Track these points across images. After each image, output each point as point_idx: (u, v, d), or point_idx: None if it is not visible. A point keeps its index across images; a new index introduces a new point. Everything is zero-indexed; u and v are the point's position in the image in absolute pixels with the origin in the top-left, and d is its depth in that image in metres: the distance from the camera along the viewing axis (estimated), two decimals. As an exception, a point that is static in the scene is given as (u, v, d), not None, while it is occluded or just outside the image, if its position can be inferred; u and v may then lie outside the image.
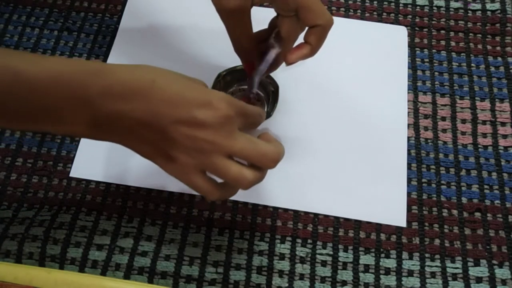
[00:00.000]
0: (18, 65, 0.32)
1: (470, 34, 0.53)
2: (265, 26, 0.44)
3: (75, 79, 0.32)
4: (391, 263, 0.43)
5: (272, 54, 0.41)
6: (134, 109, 0.32)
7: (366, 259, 0.43)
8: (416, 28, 0.53)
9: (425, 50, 0.52)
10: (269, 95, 0.47)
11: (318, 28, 0.39)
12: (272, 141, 0.37)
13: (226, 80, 0.46)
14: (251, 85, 0.42)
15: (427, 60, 0.52)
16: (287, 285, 0.42)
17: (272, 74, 0.45)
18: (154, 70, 0.34)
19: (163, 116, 0.33)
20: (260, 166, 0.35)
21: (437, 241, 0.43)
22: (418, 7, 0.54)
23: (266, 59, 0.41)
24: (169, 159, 0.34)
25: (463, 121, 0.49)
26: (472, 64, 0.51)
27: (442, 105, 0.49)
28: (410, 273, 0.42)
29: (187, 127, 0.33)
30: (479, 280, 0.42)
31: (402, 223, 0.44)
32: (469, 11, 0.54)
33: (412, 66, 0.51)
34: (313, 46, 0.40)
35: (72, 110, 0.32)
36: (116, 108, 0.32)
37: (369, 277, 0.42)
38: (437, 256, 0.43)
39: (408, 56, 0.52)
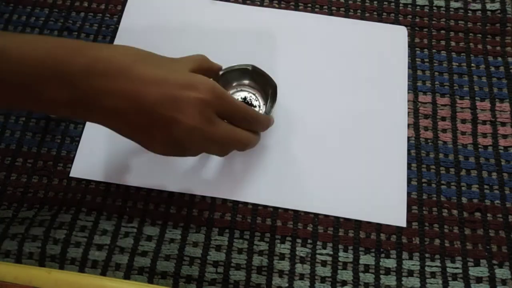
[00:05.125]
0: None
1: (470, 34, 0.53)
2: (265, 25, 0.43)
3: (56, 56, 0.32)
4: (391, 263, 0.43)
5: None
6: (115, 88, 0.33)
7: (366, 259, 0.43)
8: (416, 28, 0.53)
9: (425, 50, 0.52)
10: (268, 95, 0.47)
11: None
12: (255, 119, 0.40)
13: (225, 80, 0.46)
14: None
15: (427, 60, 0.51)
16: (287, 285, 0.42)
17: (271, 73, 0.45)
18: (137, 51, 0.35)
19: (144, 96, 0.33)
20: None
21: (437, 241, 0.44)
22: (418, 7, 0.54)
23: None
24: (150, 138, 0.35)
25: (463, 121, 0.49)
26: (472, 64, 0.51)
27: (442, 105, 0.49)
28: (410, 273, 0.42)
29: (167, 108, 0.33)
30: (479, 280, 0.42)
31: (402, 223, 0.44)
32: (469, 11, 0.54)
33: (412, 66, 0.51)
34: None
35: (53, 87, 0.32)
36: (97, 86, 0.32)
37: (369, 277, 0.42)
38: (437, 256, 0.43)
39: (408, 56, 0.52)
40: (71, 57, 0.32)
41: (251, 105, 0.47)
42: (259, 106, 0.47)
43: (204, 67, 0.40)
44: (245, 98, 0.48)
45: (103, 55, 0.33)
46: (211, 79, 0.37)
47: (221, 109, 0.36)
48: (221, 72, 0.45)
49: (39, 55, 0.32)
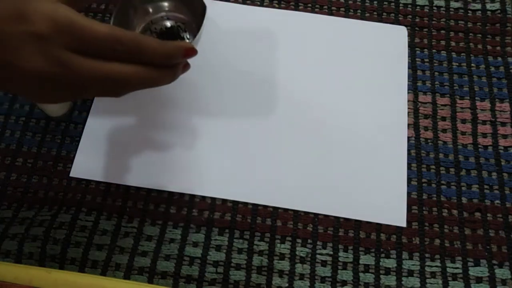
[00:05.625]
0: None
1: (470, 34, 0.53)
2: (265, 25, 0.43)
3: None
4: (391, 263, 0.43)
5: None
6: None
7: (366, 259, 0.43)
8: (416, 28, 0.53)
9: (425, 50, 0.52)
10: (199, 22, 0.36)
11: None
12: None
13: (142, 3, 0.36)
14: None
15: (427, 60, 0.51)
16: (287, 285, 0.42)
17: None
18: None
19: None
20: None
21: (437, 241, 0.43)
22: (418, 7, 0.54)
23: None
24: (4, 88, 0.30)
25: (463, 121, 0.49)
26: (472, 64, 0.51)
27: (442, 105, 0.49)
28: (410, 273, 0.42)
29: None
30: (479, 280, 0.42)
31: (402, 223, 0.44)
32: (469, 11, 0.54)
33: (412, 66, 0.51)
34: None
35: None
36: None
37: (369, 277, 0.42)
38: (437, 256, 0.43)
39: (408, 56, 0.52)
40: None
41: (179, 37, 0.37)
42: (188, 38, 0.38)
43: None
44: (171, 28, 0.38)
45: None
46: (118, 2, 0.30)
47: (73, 41, 0.28)
48: None
49: None
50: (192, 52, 0.33)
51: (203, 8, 0.35)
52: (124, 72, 0.30)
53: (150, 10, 0.37)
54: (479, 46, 0.52)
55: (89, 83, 0.29)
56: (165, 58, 0.31)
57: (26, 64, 0.27)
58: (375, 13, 0.54)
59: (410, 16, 0.54)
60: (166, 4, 0.37)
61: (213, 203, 0.45)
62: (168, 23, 0.37)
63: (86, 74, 0.29)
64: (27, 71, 0.27)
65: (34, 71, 0.28)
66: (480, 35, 0.53)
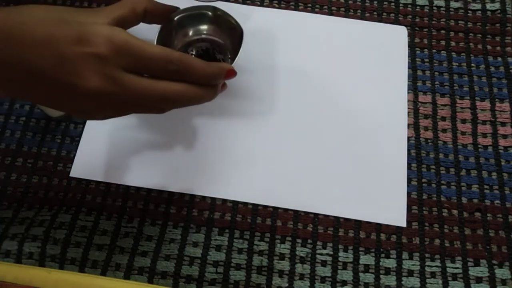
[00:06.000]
0: None
1: (470, 34, 0.53)
2: (265, 25, 0.43)
3: None
4: (391, 263, 0.43)
5: None
6: (5, 56, 0.29)
7: (366, 259, 0.43)
8: (416, 28, 0.53)
9: (425, 50, 0.52)
10: (235, 44, 0.38)
11: None
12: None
13: (181, 26, 0.38)
14: None
15: (427, 60, 0.51)
16: (287, 285, 0.42)
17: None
18: (28, 11, 0.30)
19: (32, 61, 0.29)
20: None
21: (437, 241, 0.43)
22: (418, 7, 0.54)
23: None
24: (60, 107, 0.32)
25: (463, 121, 0.49)
26: (472, 64, 0.51)
27: (442, 105, 0.49)
28: (410, 273, 0.42)
29: (60, 71, 0.29)
30: (479, 280, 0.42)
31: (402, 223, 0.44)
32: (469, 11, 0.54)
33: (412, 66, 0.51)
34: None
35: None
36: None
37: (369, 277, 0.42)
38: (437, 256, 0.43)
39: (408, 56, 0.52)
40: None
41: (214, 58, 0.40)
42: (223, 60, 0.40)
43: (139, 12, 0.35)
44: (206, 50, 0.40)
45: None
46: (161, 24, 0.32)
47: (129, 61, 0.30)
48: (175, 17, 0.38)
49: None
50: (233, 73, 0.35)
51: (241, 33, 0.38)
52: (174, 90, 0.32)
53: (190, 32, 0.39)
54: (479, 46, 0.52)
55: (142, 101, 0.32)
56: (209, 77, 0.34)
57: (86, 83, 0.29)
58: (375, 13, 0.54)
59: (410, 16, 0.54)
60: (205, 27, 0.39)
61: (213, 203, 0.45)
62: (204, 45, 0.39)
63: (140, 92, 0.31)
64: (86, 90, 0.29)
65: (92, 90, 0.29)
66: (480, 35, 0.53)
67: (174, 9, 0.38)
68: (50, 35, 0.29)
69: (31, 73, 0.29)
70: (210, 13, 0.38)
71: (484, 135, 0.48)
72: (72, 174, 0.46)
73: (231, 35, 0.39)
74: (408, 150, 0.47)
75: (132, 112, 0.34)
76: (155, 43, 0.38)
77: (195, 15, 0.38)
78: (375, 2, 0.55)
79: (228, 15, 0.38)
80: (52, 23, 0.29)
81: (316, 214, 0.44)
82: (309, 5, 0.54)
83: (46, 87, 0.30)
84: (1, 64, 0.29)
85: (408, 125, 0.48)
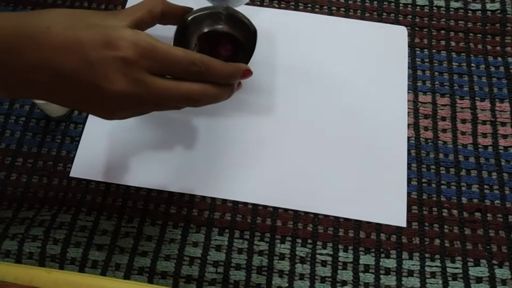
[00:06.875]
0: None
1: (470, 34, 0.53)
2: (265, 25, 0.43)
3: None
4: (391, 263, 0.43)
5: None
6: (25, 63, 0.29)
7: (366, 259, 0.43)
8: (416, 28, 0.53)
9: (425, 50, 0.52)
10: (247, 43, 0.39)
11: None
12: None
13: (196, 25, 0.38)
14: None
15: (427, 60, 0.51)
16: (287, 285, 0.42)
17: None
18: (51, 15, 0.31)
19: (58, 65, 0.29)
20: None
21: (437, 241, 0.44)
22: (418, 7, 0.54)
23: None
24: (86, 108, 0.33)
25: (463, 121, 0.49)
26: (472, 64, 0.51)
27: (442, 105, 0.49)
28: (410, 273, 0.42)
29: (86, 75, 0.30)
30: (479, 280, 0.42)
31: (402, 223, 0.44)
32: (469, 11, 0.54)
33: (412, 66, 0.51)
34: None
35: None
36: (7, 64, 0.29)
37: (369, 277, 0.42)
38: (437, 256, 0.43)
39: (408, 56, 0.52)
40: None
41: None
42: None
43: (156, 14, 0.35)
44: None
45: (13, 24, 0.29)
46: (176, 25, 0.32)
47: (153, 64, 0.31)
48: (189, 17, 0.38)
49: None
50: (249, 73, 0.37)
51: (254, 32, 0.39)
52: (196, 90, 0.33)
53: (204, 30, 0.40)
54: (479, 46, 0.52)
55: (165, 101, 0.33)
56: (227, 77, 0.35)
57: (113, 86, 0.30)
58: (375, 13, 0.54)
59: (410, 16, 0.54)
60: (220, 26, 0.40)
61: (213, 203, 0.45)
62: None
63: (164, 93, 0.32)
64: (112, 92, 0.30)
65: (119, 92, 0.30)
66: (480, 35, 0.53)
67: (189, 10, 0.39)
68: (77, 39, 0.30)
69: (57, 75, 0.30)
70: (224, 12, 0.39)
71: (484, 135, 0.48)
72: (72, 174, 0.46)
73: (244, 34, 0.39)
74: (408, 150, 0.47)
75: (152, 111, 0.35)
76: (172, 43, 0.38)
77: (209, 14, 0.39)
78: (375, 2, 0.55)
79: (241, 15, 0.39)
80: (78, 27, 0.30)
81: (316, 214, 0.44)
82: (309, 5, 0.54)
83: (71, 89, 0.31)
84: (24, 67, 0.30)
85: (408, 125, 0.48)
